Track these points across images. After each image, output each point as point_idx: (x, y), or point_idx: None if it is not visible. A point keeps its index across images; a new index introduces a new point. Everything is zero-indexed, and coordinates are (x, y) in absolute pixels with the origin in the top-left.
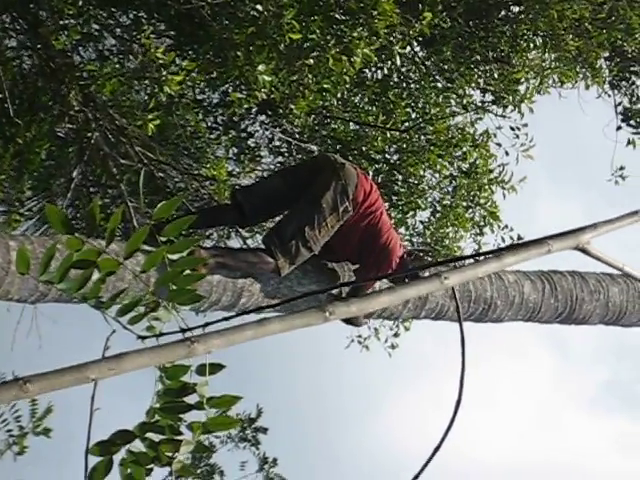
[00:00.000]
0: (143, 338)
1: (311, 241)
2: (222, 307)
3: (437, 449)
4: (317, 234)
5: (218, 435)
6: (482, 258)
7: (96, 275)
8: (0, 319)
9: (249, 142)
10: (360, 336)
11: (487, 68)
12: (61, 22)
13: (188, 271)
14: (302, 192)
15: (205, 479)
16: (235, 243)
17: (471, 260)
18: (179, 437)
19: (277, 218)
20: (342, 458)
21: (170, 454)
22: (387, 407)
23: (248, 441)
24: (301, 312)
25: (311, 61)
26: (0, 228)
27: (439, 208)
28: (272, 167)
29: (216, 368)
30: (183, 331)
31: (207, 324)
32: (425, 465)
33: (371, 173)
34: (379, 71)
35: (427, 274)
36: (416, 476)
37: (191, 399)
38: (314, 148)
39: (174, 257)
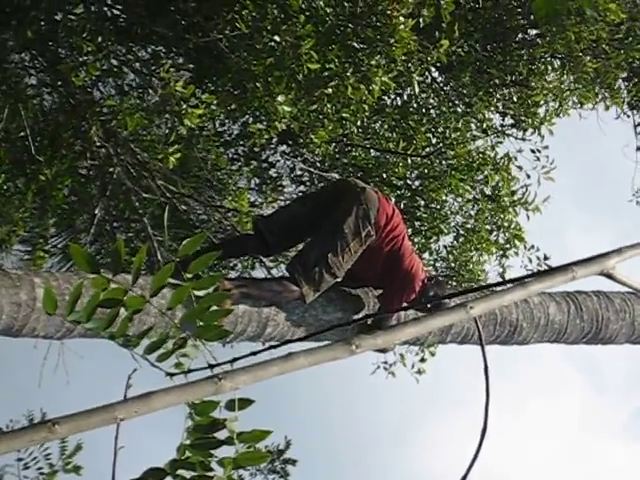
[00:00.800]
0: (172, 375)
1: (334, 267)
2: (248, 338)
3: (464, 478)
4: (340, 260)
5: (247, 468)
6: (507, 286)
7: (122, 312)
8: (27, 356)
9: (271, 172)
10: (386, 362)
11: (506, 92)
12: (80, 59)
13: (214, 307)
14: (324, 218)
15: None
16: (259, 273)
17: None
18: (210, 473)
19: (300, 245)
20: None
21: None
22: (419, 435)
23: (277, 473)
24: (327, 346)
25: (330, 90)
26: (24, 266)
27: (462, 232)
28: (294, 196)
29: (245, 403)
30: (211, 367)
31: (235, 359)
32: None
33: (393, 199)
34: (398, 98)
35: (451, 303)
36: None
37: (221, 435)
38: (335, 176)
39: (200, 293)
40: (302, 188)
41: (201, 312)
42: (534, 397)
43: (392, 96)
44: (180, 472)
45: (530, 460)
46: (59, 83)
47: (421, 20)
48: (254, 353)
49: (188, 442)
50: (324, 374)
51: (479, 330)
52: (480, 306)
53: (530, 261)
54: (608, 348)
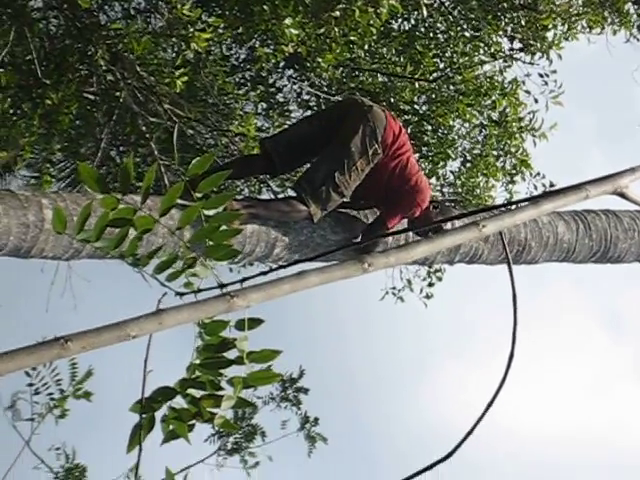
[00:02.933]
0: (181, 295)
1: (342, 186)
2: (256, 258)
3: (490, 405)
4: (347, 178)
5: (260, 395)
6: (518, 205)
7: (132, 232)
8: (34, 279)
9: (278, 97)
10: (394, 288)
11: (514, 15)
12: None
13: (224, 226)
14: (330, 137)
15: (247, 438)
16: (266, 197)
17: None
18: (220, 393)
19: (307, 165)
20: (389, 418)
21: (212, 410)
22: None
23: (289, 401)
24: (339, 264)
25: (337, 13)
26: (31, 189)
27: (469, 158)
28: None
29: (255, 323)
30: (221, 287)
31: (244, 279)
32: (477, 422)
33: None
34: (405, 22)
35: (449, 226)
36: (468, 433)
37: (231, 354)
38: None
39: (209, 213)
40: (309, 112)
41: (211, 232)
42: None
43: (400, 20)
44: (190, 391)
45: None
46: (65, 6)
47: None
48: (264, 273)
49: (198, 361)
50: (339, 298)
51: (507, 252)
52: (492, 224)
53: (535, 188)
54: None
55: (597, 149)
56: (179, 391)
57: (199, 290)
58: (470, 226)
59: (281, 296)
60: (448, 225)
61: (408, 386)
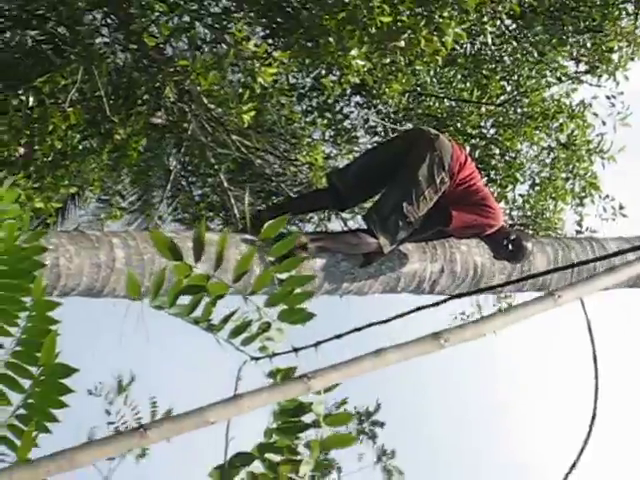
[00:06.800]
0: (257, 359)
1: (410, 216)
2: (325, 292)
3: (573, 466)
4: (416, 208)
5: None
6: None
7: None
8: (107, 315)
9: (345, 124)
10: (463, 313)
11: (579, 38)
12: (152, 17)
13: (298, 289)
14: (397, 167)
15: (323, 474)
16: (336, 225)
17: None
18: (298, 457)
19: (376, 197)
20: (468, 453)
21: (290, 474)
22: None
23: (365, 434)
24: (416, 340)
25: (402, 43)
26: (101, 223)
27: (538, 181)
28: (369, 147)
29: (331, 386)
30: (295, 351)
31: (318, 343)
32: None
33: (468, 149)
34: (470, 45)
35: (530, 245)
36: None
37: (307, 418)
38: (410, 126)
39: (283, 276)
40: (376, 139)
41: (285, 295)
42: None
43: (465, 45)
44: (268, 456)
45: None
46: (132, 41)
47: None
48: (338, 336)
49: (274, 426)
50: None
51: (587, 318)
52: (568, 294)
53: (605, 210)
54: None
55: None
56: (257, 456)
57: (274, 354)
58: (546, 296)
59: (360, 375)
60: (529, 244)
61: (487, 423)
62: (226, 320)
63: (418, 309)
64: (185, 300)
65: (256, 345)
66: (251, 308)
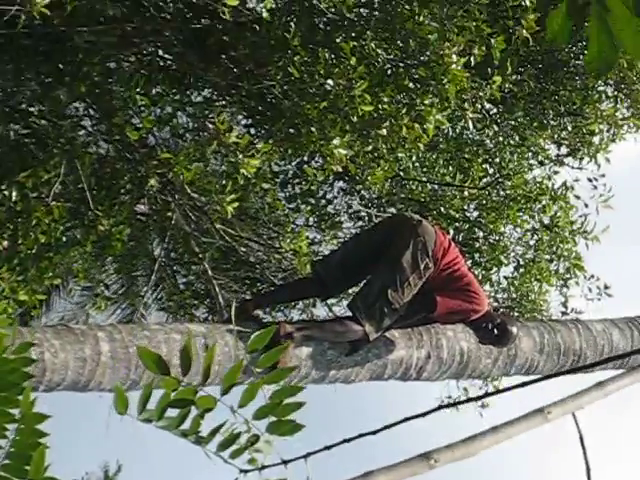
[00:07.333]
0: (246, 472)
1: (395, 302)
2: (312, 380)
3: None
4: (401, 294)
5: None
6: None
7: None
8: (92, 406)
9: (328, 209)
10: (450, 397)
11: (560, 121)
12: (134, 109)
13: (287, 400)
14: (381, 254)
15: None
16: (322, 311)
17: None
18: None
19: (361, 284)
20: None
21: None
22: None
23: None
24: (406, 461)
25: (384, 131)
26: (87, 313)
27: (522, 263)
28: (353, 232)
29: None
30: (285, 463)
31: (308, 454)
32: None
33: (452, 232)
34: (451, 130)
35: (515, 329)
36: None
37: None
38: (393, 211)
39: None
40: (360, 224)
41: (273, 408)
42: None
43: (446, 129)
44: None
45: None
46: (114, 133)
47: (472, 59)
48: (328, 447)
49: None
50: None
51: (579, 431)
52: (557, 410)
53: (590, 290)
54: None
55: None
56: None
57: (263, 467)
58: (536, 412)
59: None
60: (514, 329)
61: None
62: (214, 432)
63: (406, 419)
64: (173, 413)
65: (245, 457)
66: (239, 419)
